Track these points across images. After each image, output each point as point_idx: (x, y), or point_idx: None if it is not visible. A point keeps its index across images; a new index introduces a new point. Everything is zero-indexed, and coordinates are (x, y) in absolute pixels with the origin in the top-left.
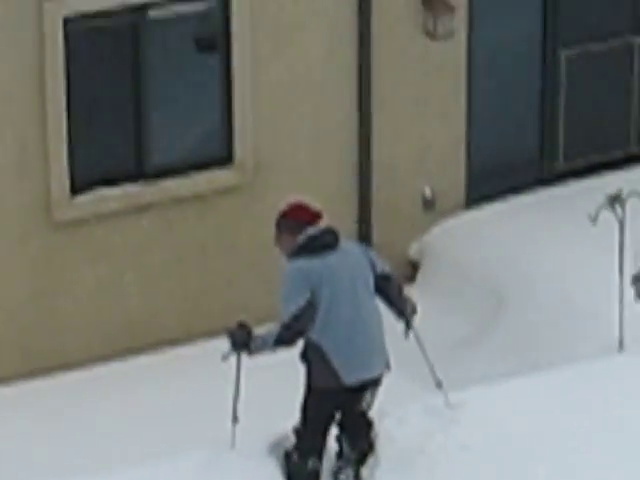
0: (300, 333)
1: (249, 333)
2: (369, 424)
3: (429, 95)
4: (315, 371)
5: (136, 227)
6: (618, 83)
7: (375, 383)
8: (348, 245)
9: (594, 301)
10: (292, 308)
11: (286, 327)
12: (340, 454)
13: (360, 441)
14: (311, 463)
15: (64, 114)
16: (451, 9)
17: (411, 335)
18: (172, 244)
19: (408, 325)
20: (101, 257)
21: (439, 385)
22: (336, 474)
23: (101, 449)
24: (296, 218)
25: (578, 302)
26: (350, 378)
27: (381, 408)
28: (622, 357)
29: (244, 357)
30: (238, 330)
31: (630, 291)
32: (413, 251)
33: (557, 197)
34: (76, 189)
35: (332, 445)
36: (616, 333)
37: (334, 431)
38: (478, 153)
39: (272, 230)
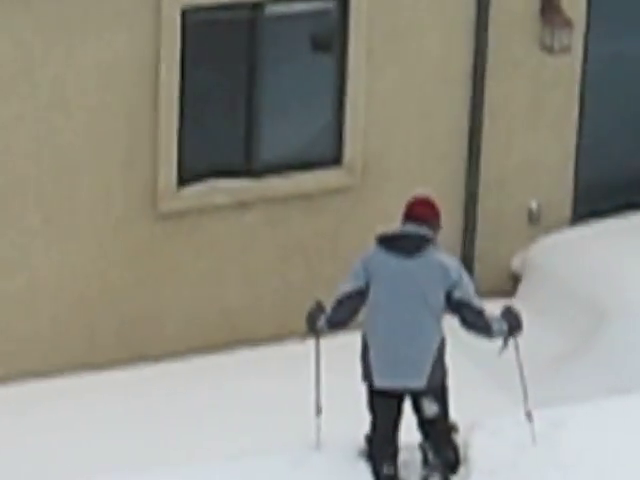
0: (340, 320)
1: (322, 310)
2: (449, 430)
3: (541, 108)
4: (362, 366)
5: (240, 222)
6: None
7: (418, 393)
8: (435, 258)
9: None
10: (341, 290)
11: (333, 310)
12: (425, 462)
13: (442, 448)
14: (385, 468)
15: (176, 105)
16: (569, 24)
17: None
18: (275, 242)
19: (505, 342)
20: (203, 250)
21: (529, 416)
22: None
23: (189, 442)
24: (405, 209)
25: None
26: (379, 381)
27: (475, 419)
28: None
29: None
30: (315, 311)
31: None
32: (515, 264)
33: None
34: (183, 181)
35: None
36: None
37: (418, 439)
38: (587, 169)
39: (375, 234)
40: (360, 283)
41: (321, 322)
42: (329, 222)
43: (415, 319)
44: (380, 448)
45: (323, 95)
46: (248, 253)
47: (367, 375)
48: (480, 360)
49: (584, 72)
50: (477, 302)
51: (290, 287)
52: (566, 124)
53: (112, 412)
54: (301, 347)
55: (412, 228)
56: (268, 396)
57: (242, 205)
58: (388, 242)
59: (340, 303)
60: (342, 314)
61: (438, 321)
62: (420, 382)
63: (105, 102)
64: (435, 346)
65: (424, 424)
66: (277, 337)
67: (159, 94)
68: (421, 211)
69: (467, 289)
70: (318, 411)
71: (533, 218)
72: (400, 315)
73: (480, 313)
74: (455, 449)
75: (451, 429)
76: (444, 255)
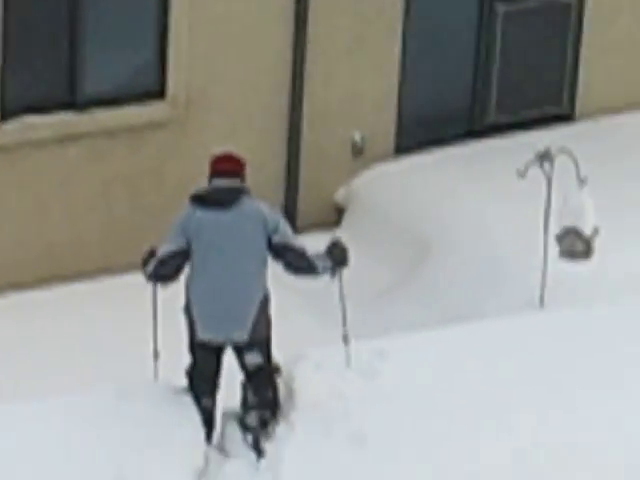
0: (165, 277)
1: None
2: (271, 373)
3: (364, 42)
4: (185, 318)
5: (63, 156)
6: (553, 41)
7: (242, 346)
8: (250, 207)
9: (518, 256)
10: (162, 250)
11: (156, 267)
12: (245, 402)
13: (262, 388)
14: (204, 401)
15: None
16: None
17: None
18: (99, 175)
19: (332, 275)
20: (27, 185)
21: (345, 340)
22: (242, 420)
23: (15, 378)
24: (211, 167)
25: (502, 256)
26: (203, 334)
27: (299, 351)
28: (542, 313)
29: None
30: (147, 257)
31: (554, 248)
32: (339, 196)
33: (487, 150)
34: (5, 115)
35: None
36: (538, 289)
37: (240, 378)
38: (410, 102)
39: (199, 167)
40: (181, 242)
41: (150, 268)
42: (153, 155)
43: (238, 272)
44: (199, 385)
45: (146, 28)
46: (71, 187)
47: (190, 326)
48: (303, 293)
49: (407, 5)
50: (298, 243)
51: (114, 220)
52: (388, 57)
53: None
54: (126, 279)
55: (223, 182)
56: (91, 330)
57: (65, 139)
58: (203, 199)
59: (162, 262)
60: (166, 271)
61: (261, 273)
62: (243, 334)
63: None
64: (258, 298)
65: (247, 370)
66: (101, 270)
67: None
68: (228, 165)
69: (286, 232)
70: (156, 356)
71: (357, 150)
72: (222, 269)
73: (302, 254)
74: (275, 389)
75: (273, 371)
76: (259, 202)
